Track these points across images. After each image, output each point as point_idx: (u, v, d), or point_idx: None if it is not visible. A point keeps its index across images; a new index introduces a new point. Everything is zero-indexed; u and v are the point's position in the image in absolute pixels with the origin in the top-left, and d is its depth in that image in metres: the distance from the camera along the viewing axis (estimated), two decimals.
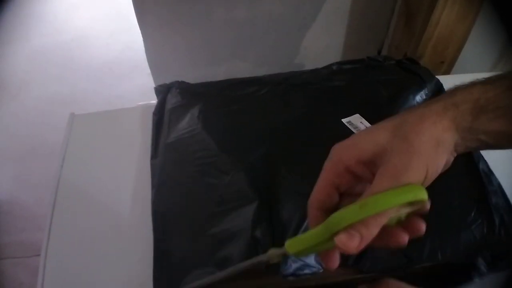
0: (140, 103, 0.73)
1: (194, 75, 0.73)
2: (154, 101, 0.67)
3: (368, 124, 0.56)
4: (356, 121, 0.57)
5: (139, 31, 0.89)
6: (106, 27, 1.93)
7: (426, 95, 0.61)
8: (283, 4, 0.89)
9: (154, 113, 0.64)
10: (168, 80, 0.69)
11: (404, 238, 0.28)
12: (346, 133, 0.55)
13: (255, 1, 0.87)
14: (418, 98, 0.60)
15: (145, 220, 0.54)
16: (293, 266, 0.42)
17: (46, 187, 0.61)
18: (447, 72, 0.87)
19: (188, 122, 0.59)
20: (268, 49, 0.97)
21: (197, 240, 0.46)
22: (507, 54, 0.85)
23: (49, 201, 0.57)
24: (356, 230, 0.26)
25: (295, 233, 0.44)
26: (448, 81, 0.65)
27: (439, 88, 0.63)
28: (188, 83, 0.68)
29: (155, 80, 0.97)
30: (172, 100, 0.63)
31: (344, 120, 0.57)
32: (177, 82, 0.68)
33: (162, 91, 0.66)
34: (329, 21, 0.95)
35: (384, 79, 0.64)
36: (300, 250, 0.29)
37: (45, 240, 0.53)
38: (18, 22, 1.96)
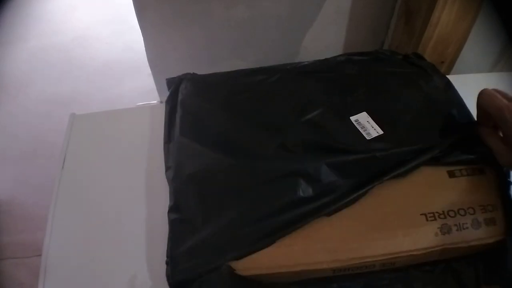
0: (140, 103, 0.73)
1: None
2: (154, 101, 0.67)
3: (374, 124, 0.56)
4: (363, 120, 0.57)
5: (139, 31, 0.89)
6: (106, 27, 1.92)
7: (435, 87, 0.62)
8: (282, 4, 0.89)
9: (167, 102, 0.65)
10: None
11: None
12: (354, 130, 0.56)
13: (255, 0, 0.87)
14: (426, 90, 0.61)
15: (146, 220, 0.54)
16: None
17: (46, 187, 0.61)
18: (447, 72, 0.87)
19: (202, 110, 0.60)
20: (268, 49, 0.97)
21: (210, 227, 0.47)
22: (507, 54, 0.85)
23: (49, 201, 0.57)
24: None
25: None
26: None
27: (446, 82, 0.63)
28: (199, 74, 0.69)
29: (155, 80, 0.97)
30: (185, 90, 0.64)
31: (352, 119, 0.58)
32: (189, 73, 0.69)
33: (174, 81, 0.67)
34: (329, 21, 0.95)
35: (392, 71, 0.65)
36: None
37: (46, 241, 0.53)
38: (18, 23, 1.96)
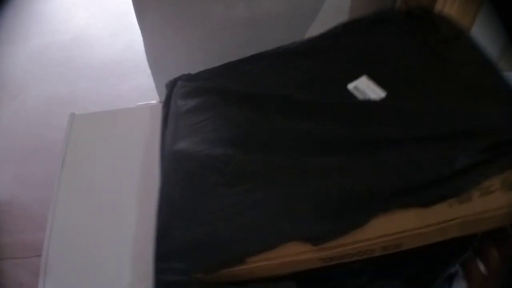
0: (140, 103, 0.73)
1: None
2: (154, 101, 0.67)
3: (375, 88, 0.50)
4: (362, 85, 0.51)
5: (139, 31, 0.89)
6: (106, 26, 1.92)
7: (443, 38, 0.56)
8: (282, 4, 0.89)
9: (163, 107, 0.64)
10: (168, 79, 0.69)
11: None
12: (352, 100, 0.51)
13: (255, 1, 0.87)
14: (433, 42, 0.55)
15: (146, 219, 0.54)
16: None
17: (46, 187, 0.61)
18: None
19: (197, 109, 0.58)
20: (268, 48, 0.97)
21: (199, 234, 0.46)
22: (507, 54, 0.85)
23: (49, 201, 0.57)
24: None
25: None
26: None
27: (457, 30, 0.57)
28: (192, 74, 0.69)
29: (155, 80, 0.97)
30: (178, 93, 0.64)
31: (350, 86, 0.52)
32: (184, 75, 0.68)
33: (170, 85, 0.67)
34: (329, 21, 0.95)
35: (392, 31, 0.60)
36: None
37: (46, 241, 0.53)
38: (18, 22, 1.96)
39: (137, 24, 0.87)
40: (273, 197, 0.44)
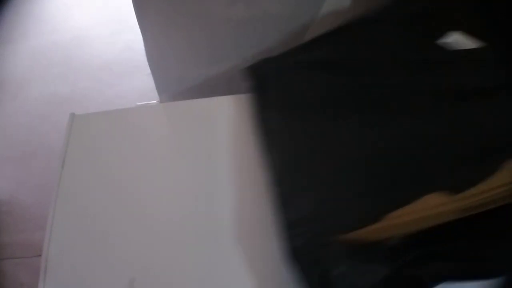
0: (139, 103, 0.73)
1: (194, 75, 0.73)
2: (154, 101, 0.67)
3: (473, 39, 0.50)
4: (459, 40, 0.51)
5: (139, 31, 0.89)
6: (106, 26, 1.92)
7: None
8: (282, 4, 0.89)
9: (257, 89, 0.64)
10: (168, 80, 0.69)
11: None
12: (448, 53, 0.51)
13: (255, 0, 0.87)
14: None
15: (147, 221, 0.54)
16: None
17: (46, 187, 0.61)
18: None
19: (300, 86, 0.59)
20: (268, 49, 0.97)
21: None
22: None
23: (49, 201, 0.57)
24: None
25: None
26: None
27: None
28: (272, 57, 0.69)
29: (155, 80, 0.97)
30: (275, 74, 0.64)
31: (441, 42, 0.52)
32: (262, 60, 0.68)
33: (256, 70, 0.67)
34: (329, 21, 0.95)
35: None
36: None
37: (46, 241, 0.53)
38: (18, 22, 1.96)
39: (137, 24, 0.87)
40: (402, 149, 0.44)
